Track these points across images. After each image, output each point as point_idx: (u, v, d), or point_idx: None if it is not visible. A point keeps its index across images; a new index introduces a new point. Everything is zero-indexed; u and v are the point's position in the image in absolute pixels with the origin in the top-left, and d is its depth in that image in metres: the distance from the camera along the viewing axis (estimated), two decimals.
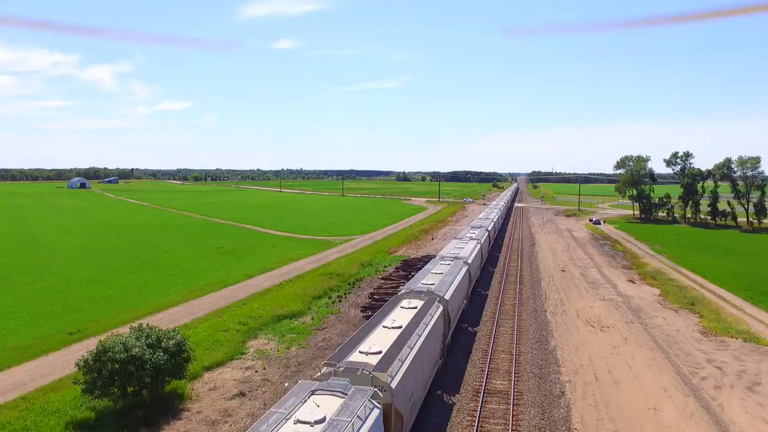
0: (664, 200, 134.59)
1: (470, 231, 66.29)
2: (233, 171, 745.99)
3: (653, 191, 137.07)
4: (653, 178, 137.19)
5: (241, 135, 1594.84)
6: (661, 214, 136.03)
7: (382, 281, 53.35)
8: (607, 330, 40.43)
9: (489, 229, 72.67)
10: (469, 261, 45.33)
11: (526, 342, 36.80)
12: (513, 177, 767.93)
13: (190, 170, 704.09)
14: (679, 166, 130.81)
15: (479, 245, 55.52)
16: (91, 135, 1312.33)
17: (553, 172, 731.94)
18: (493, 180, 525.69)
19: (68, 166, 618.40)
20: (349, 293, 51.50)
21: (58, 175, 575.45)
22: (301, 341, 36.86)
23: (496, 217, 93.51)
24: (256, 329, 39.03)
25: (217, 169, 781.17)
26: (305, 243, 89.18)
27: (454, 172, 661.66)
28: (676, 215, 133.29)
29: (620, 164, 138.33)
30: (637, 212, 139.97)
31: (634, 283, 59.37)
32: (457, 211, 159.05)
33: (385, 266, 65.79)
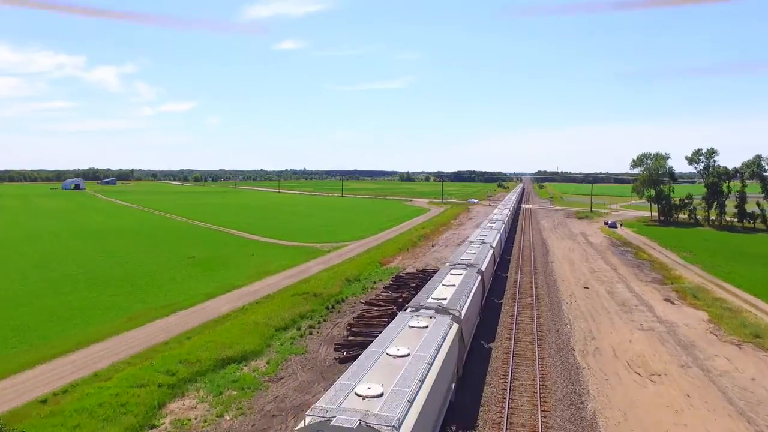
0: (686, 201, 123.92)
1: (449, 275, 37.01)
2: (237, 171, 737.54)
3: (673, 191, 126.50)
4: (673, 177, 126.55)
5: (245, 135, 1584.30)
6: (682, 216, 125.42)
7: (365, 307, 43.19)
8: (658, 380, 30.27)
9: (483, 268, 40.90)
10: (432, 369, 20.05)
11: (554, 407, 26.60)
12: (518, 177, 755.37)
13: (193, 171, 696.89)
14: (703, 164, 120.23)
15: (454, 327, 25.94)
16: (96, 136, 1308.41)
17: (559, 171, 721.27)
18: (498, 180, 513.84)
19: (72, 167, 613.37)
20: (325, 321, 41.53)
21: (57, 176, 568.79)
22: (243, 402, 26.84)
23: (496, 237, 59.72)
24: (187, 382, 29.07)
25: (221, 170, 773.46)
26: (289, 251, 79.31)
27: (458, 172, 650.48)
28: (698, 217, 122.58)
29: (637, 162, 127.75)
30: (655, 214, 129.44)
31: (672, 303, 49.14)
32: (460, 213, 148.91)
33: (374, 282, 55.76)
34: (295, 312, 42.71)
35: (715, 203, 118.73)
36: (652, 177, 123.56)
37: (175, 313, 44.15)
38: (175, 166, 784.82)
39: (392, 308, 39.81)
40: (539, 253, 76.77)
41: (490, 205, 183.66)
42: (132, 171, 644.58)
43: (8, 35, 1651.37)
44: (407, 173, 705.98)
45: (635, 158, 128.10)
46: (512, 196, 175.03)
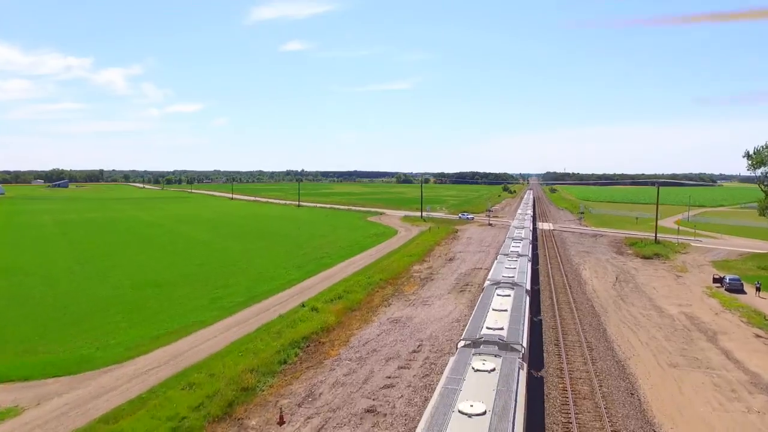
0: None
1: None
2: (232, 172, 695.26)
3: None
4: None
5: (250, 136, 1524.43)
6: None
7: None
8: None
9: None
10: None
11: None
12: (524, 178, 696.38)
13: (187, 171, 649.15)
14: None
15: None
16: (102, 137, 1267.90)
17: (570, 173, 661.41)
18: (503, 182, 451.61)
19: (78, 168, 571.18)
20: None
21: (15, 178, 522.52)
22: None
23: None
24: None
25: (215, 171, 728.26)
26: None
27: (460, 173, 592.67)
28: None
29: (761, 159, 69.38)
30: None
31: None
32: (438, 244, 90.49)
33: None
34: None
35: None
36: None
37: None
38: (178, 167, 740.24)
39: None
40: None
41: (490, 225, 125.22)
42: (101, 172, 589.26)
43: (19, 37, 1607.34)
44: (404, 174, 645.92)
45: (754, 152, 69.79)
46: (525, 210, 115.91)
